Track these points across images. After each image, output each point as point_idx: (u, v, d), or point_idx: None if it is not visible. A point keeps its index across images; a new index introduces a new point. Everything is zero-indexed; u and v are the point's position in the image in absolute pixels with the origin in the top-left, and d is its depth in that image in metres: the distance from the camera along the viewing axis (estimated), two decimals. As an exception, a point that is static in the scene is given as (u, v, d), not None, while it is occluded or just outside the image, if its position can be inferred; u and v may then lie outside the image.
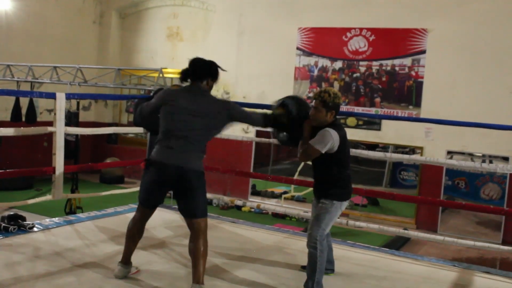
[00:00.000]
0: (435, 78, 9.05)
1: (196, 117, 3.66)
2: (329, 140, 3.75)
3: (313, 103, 3.92)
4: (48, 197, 5.55)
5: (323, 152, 3.78)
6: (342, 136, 3.85)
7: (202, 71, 3.84)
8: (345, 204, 3.99)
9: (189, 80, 3.84)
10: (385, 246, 7.13)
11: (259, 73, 10.50)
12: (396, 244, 7.71)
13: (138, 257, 4.06)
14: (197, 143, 3.69)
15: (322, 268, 3.86)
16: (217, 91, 10.21)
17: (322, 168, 3.94)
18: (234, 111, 3.83)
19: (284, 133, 4.26)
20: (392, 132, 9.41)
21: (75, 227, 5.26)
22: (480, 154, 8.94)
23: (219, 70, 3.90)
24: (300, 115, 4.03)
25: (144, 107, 4.02)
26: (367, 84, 9.65)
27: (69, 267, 4.08)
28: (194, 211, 3.68)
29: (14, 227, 4.80)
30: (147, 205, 3.88)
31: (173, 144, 3.67)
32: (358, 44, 9.69)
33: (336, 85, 9.87)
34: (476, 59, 8.74)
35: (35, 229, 4.96)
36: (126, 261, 3.94)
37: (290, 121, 4.05)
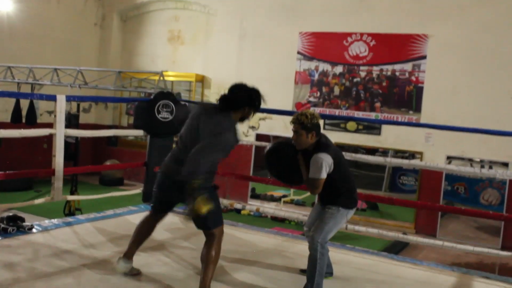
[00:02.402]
0: (436, 84, 9.06)
1: (193, 133, 3.64)
2: (323, 165, 3.77)
3: (292, 128, 3.93)
4: (47, 198, 5.56)
5: (325, 177, 3.80)
6: (334, 154, 3.86)
7: (237, 101, 3.65)
8: (351, 213, 4.02)
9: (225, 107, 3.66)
10: (384, 250, 7.10)
11: (260, 77, 10.47)
12: (395, 249, 7.70)
13: (137, 259, 4.06)
14: None
15: (322, 272, 3.88)
16: (218, 94, 10.22)
17: (326, 185, 3.92)
18: (204, 134, 3.52)
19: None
20: (392, 137, 9.41)
21: (74, 228, 5.26)
22: (480, 160, 8.94)
23: (258, 99, 3.73)
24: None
25: None
26: (368, 89, 9.66)
27: (67, 268, 4.08)
28: (200, 224, 3.68)
29: (13, 228, 4.80)
30: (154, 207, 3.99)
31: (174, 155, 3.75)
32: (358, 49, 9.71)
33: (337, 89, 9.88)
34: (476, 65, 8.76)
35: (34, 230, 4.96)
36: (128, 256, 3.98)
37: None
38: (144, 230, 3.99)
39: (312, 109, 9.90)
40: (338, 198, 3.95)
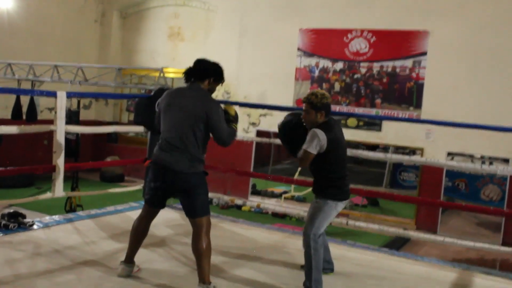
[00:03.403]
0: (436, 80, 9.05)
1: (183, 113, 3.67)
2: (315, 140, 3.81)
3: (303, 107, 4.02)
4: (48, 195, 5.55)
5: (315, 153, 3.83)
6: (331, 136, 3.88)
7: (204, 71, 3.85)
8: (341, 204, 4.01)
9: (192, 79, 3.85)
10: (385, 246, 7.12)
11: (260, 73, 10.50)
12: (396, 245, 7.70)
13: (139, 256, 4.06)
14: (188, 143, 3.65)
15: (319, 266, 3.88)
16: (217, 91, 10.22)
17: (316, 168, 4.01)
18: (210, 117, 3.68)
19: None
20: (393, 133, 9.41)
21: (75, 225, 5.27)
22: (480, 156, 8.93)
23: (222, 72, 3.93)
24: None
25: (157, 117, 3.98)
26: (368, 85, 9.65)
27: (69, 265, 4.09)
28: (192, 210, 3.71)
29: (14, 224, 4.81)
30: (150, 203, 3.91)
31: (165, 145, 3.72)
32: (359, 45, 9.69)
33: (337, 86, 9.87)
34: (477, 61, 8.74)
35: (35, 226, 4.97)
36: (129, 260, 3.95)
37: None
38: (140, 230, 3.94)
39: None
40: (327, 189, 3.96)
